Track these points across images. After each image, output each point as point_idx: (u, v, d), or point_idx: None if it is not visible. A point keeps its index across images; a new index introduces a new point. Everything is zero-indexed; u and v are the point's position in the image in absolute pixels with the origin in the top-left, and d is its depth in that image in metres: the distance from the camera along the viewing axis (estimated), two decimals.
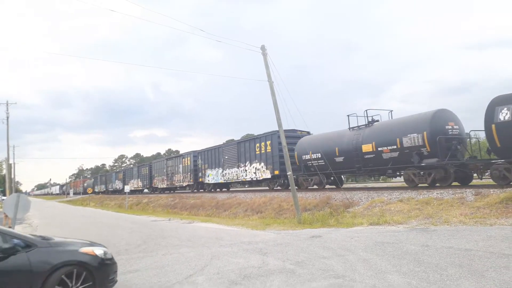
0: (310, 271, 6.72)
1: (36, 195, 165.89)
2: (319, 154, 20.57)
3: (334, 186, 21.99)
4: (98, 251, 5.70)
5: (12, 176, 56.60)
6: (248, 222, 16.85)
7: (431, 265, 6.49)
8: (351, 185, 30.94)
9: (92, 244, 5.94)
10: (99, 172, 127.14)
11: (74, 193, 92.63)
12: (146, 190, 51.29)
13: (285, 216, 17.19)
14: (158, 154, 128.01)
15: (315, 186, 22.22)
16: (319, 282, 5.95)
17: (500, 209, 11.22)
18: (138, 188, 51.63)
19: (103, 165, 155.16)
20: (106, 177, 73.06)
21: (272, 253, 8.75)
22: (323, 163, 19.78)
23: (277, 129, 17.88)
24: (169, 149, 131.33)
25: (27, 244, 5.10)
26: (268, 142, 25.14)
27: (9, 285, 4.65)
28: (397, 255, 7.52)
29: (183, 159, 37.92)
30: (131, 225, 19.16)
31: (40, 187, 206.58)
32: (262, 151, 25.66)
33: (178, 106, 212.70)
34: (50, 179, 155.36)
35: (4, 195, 55.28)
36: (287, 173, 16.25)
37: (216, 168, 31.80)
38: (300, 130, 24.62)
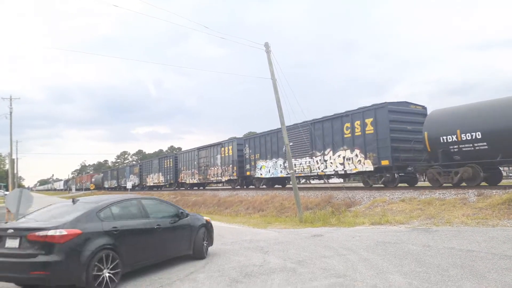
0: (311, 270, 6.71)
1: (38, 191, 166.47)
2: (478, 133, 13.91)
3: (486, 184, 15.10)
4: (209, 220, 9.41)
5: (15, 171, 56.86)
6: (249, 220, 16.86)
7: (433, 266, 6.47)
8: (354, 184, 30.89)
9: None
10: (101, 168, 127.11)
11: (77, 189, 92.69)
12: (168, 186, 44.48)
13: (287, 215, 17.20)
14: (161, 151, 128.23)
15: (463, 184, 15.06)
16: (320, 281, 5.95)
17: (503, 210, 11.18)
18: (159, 184, 45.43)
19: (106, 161, 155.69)
20: (118, 172, 64.05)
21: (273, 251, 8.75)
22: (486, 147, 13.82)
23: (385, 101, 16.57)
24: (172, 146, 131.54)
25: (187, 214, 8.52)
26: (369, 120, 17.93)
27: (185, 231, 8.21)
28: (399, 255, 7.50)
29: (223, 148, 31.40)
30: None
31: (43, 182, 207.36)
32: (357, 133, 18.52)
33: (180, 103, 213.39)
34: (53, 175, 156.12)
35: (7, 190, 55.49)
36: (289, 171, 16.22)
37: (274, 159, 24.96)
38: (414, 104, 18.57)
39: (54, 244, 5.65)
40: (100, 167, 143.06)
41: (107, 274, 6.10)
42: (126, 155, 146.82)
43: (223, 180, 31.50)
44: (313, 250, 8.63)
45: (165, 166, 43.00)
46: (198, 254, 8.37)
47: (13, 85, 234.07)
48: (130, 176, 54.74)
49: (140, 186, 51.98)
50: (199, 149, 35.61)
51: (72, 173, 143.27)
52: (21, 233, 5.92)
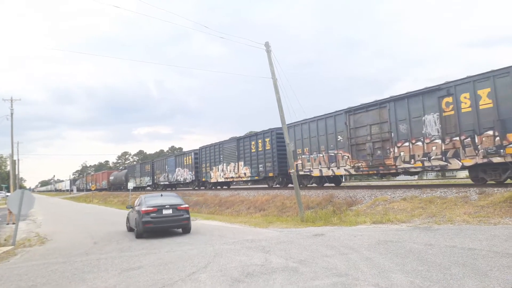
0: (313, 269, 6.71)
1: (40, 192, 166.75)
2: None
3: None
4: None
5: (16, 173, 56.92)
6: (251, 220, 16.86)
7: (435, 264, 6.46)
8: (354, 183, 30.89)
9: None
10: (102, 168, 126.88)
11: (79, 190, 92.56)
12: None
13: (288, 214, 17.20)
14: (162, 151, 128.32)
15: None
16: (322, 281, 5.95)
17: (504, 208, 11.17)
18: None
19: (107, 161, 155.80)
20: (153, 165, 47.70)
21: (275, 251, 8.75)
22: None
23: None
24: (172, 146, 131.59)
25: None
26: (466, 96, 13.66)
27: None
28: (400, 253, 7.50)
29: (259, 141, 25.93)
30: None
31: (44, 183, 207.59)
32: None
33: (181, 102, 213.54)
34: (54, 176, 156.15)
35: (9, 191, 55.58)
36: (290, 171, 16.22)
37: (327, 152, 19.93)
38: None
39: (187, 210, 13.53)
40: (101, 167, 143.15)
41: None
42: (127, 156, 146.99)
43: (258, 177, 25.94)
44: (314, 249, 8.63)
45: (186, 163, 37.46)
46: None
47: (14, 86, 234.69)
48: (177, 170, 39.90)
49: (153, 186, 46.88)
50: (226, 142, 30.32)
51: (73, 174, 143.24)
52: (172, 206, 13.13)
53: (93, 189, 76.56)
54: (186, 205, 13.64)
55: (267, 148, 25.05)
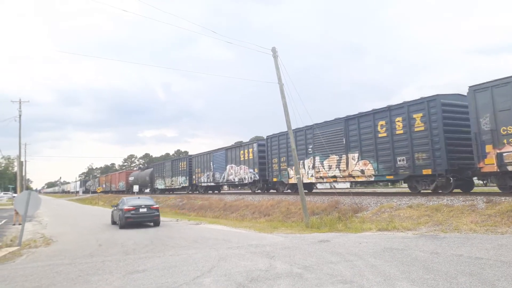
0: (317, 275, 6.67)
1: (46, 193, 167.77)
2: None
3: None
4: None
5: (23, 174, 57.37)
6: (255, 225, 16.83)
7: (441, 273, 6.40)
8: (360, 190, 30.75)
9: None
10: (108, 171, 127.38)
11: (84, 192, 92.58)
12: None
13: (293, 220, 17.14)
14: (167, 154, 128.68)
15: None
16: (327, 287, 5.91)
17: None
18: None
19: (113, 164, 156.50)
20: (191, 162, 37.78)
21: (280, 256, 8.72)
22: None
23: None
24: (178, 150, 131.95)
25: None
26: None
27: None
28: (406, 261, 7.43)
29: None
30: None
31: (50, 185, 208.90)
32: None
33: (187, 106, 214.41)
34: (60, 177, 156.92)
35: (15, 192, 56.00)
36: (296, 177, 16.18)
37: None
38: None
39: (158, 209, 18.12)
40: (107, 170, 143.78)
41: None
42: (133, 158, 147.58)
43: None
44: (319, 255, 8.58)
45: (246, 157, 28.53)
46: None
47: (21, 87, 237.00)
48: (230, 167, 30.84)
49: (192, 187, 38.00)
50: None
51: (79, 176, 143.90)
52: (146, 206, 17.60)
53: (98, 191, 76.22)
54: (157, 206, 18.60)
55: (419, 128, 15.48)
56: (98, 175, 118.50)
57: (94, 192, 79.08)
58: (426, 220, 12.52)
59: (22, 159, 53.99)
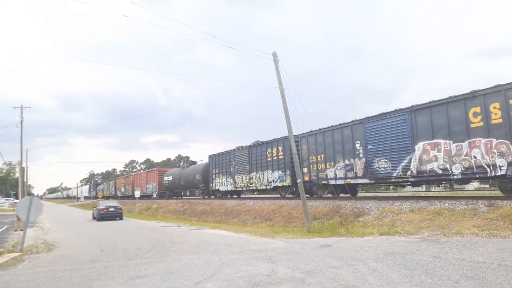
0: (319, 280, 6.67)
1: (47, 199, 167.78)
2: None
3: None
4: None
5: (25, 180, 57.42)
6: (257, 230, 16.81)
7: (443, 277, 6.39)
8: (362, 194, 30.71)
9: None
10: (109, 176, 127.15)
11: (86, 197, 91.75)
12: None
13: (295, 225, 17.12)
14: (168, 159, 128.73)
15: None
16: None
17: None
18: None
19: (114, 169, 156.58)
20: (256, 153, 27.29)
21: (282, 261, 8.71)
22: None
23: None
24: (179, 155, 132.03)
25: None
26: None
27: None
28: (408, 266, 7.43)
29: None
30: (141, 230, 19.26)
31: (52, 190, 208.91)
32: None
33: (188, 111, 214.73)
34: (62, 183, 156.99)
35: (17, 198, 56.05)
36: (297, 181, 16.18)
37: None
38: None
39: (121, 209, 29.74)
40: (108, 175, 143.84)
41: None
42: (134, 164, 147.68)
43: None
44: (321, 260, 8.58)
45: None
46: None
47: (22, 93, 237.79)
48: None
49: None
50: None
51: (80, 182, 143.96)
52: (114, 207, 29.11)
53: (100, 196, 75.96)
54: (121, 206, 30.17)
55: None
56: (99, 180, 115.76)
57: (106, 197, 68.79)
58: (428, 224, 12.50)
59: (24, 165, 54.09)
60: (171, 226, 21.00)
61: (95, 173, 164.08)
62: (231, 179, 30.36)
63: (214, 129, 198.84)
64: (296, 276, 7.10)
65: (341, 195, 20.91)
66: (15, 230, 20.18)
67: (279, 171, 24.46)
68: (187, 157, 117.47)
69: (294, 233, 14.68)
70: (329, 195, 21.39)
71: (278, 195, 27.38)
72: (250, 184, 27.68)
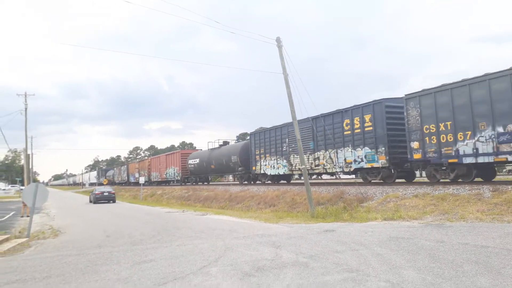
0: (323, 264, 6.71)
1: (53, 185, 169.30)
2: None
3: None
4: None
5: (30, 167, 57.85)
6: (261, 215, 16.90)
7: (447, 261, 6.41)
8: None
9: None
10: (114, 163, 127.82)
11: (91, 183, 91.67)
12: None
13: (298, 210, 17.20)
14: (173, 146, 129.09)
15: None
16: (333, 276, 5.95)
17: None
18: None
19: (118, 156, 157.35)
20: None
21: (285, 246, 8.77)
22: None
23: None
24: (183, 142, 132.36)
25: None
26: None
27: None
28: (412, 250, 7.45)
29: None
30: (146, 216, 19.42)
31: (57, 177, 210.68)
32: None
33: (191, 98, 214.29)
34: (67, 170, 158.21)
35: (23, 185, 56.58)
36: (301, 167, 16.18)
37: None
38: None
39: (114, 193, 34.98)
40: (113, 162, 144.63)
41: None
42: (138, 150, 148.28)
43: None
44: (325, 245, 8.62)
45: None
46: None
47: (27, 81, 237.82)
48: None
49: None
50: None
51: (85, 168, 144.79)
52: (108, 191, 34.47)
53: (105, 183, 76.20)
54: (114, 191, 35.32)
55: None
56: (103, 166, 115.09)
57: (118, 183, 66.11)
58: (432, 209, 12.51)
59: (29, 152, 54.41)
60: (175, 212, 21.16)
61: (100, 159, 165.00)
62: (284, 161, 24.25)
63: (217, 116, 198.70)
64: (300, 260, 7.15)
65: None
66: (22, 216, 20.41)
67: (366, 148, 18.42)
68: (191, 144, 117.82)
69: (297, 219, 14.75)
70: (460, 179, 15.43)
71: (352, 179, 22.77)
72: (316, 166, 21.47)
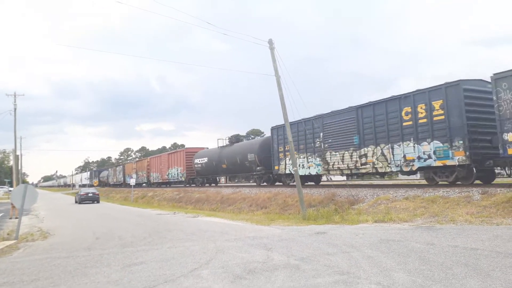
0: (314, 267, 6.72)
1: (42, 187, 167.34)
2: None
3: None
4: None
5: (19, 168, 57.14)
6: (252, 217, 16.88)
7: (437, 264, 6.46)
8: (356, 182, 30.89)
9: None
10: (105, 165, 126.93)
11: (82, 185, 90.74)
12: None
13: (290, 212, 17.21)
14: (164, 147, 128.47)
15: None
16: (324, 278, 5.95)
17: (507, 208, 11.13)
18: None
19: (109, 157, 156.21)
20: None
21: (277, 248, 8.77)
22: None
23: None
24: (175, 143, 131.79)
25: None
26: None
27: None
28: (402, 253, 7.50)
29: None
30: (137, 218, 19.29)
31: (47, 178, 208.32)
32: None
33: (184, 99, 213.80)
34: (56, 171, 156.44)
35: (12, 186, 55.86)
36: (293, 169, 16.20)
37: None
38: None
39: (98, 194, 37.45)
40: (103, 163, 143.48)
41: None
42: (129, 152, 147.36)
43: None
44: (316, 247, 8.64)
45: None
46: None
47: (17, 82, 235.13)
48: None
49: None
50: None
51: (76, 170, 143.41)
52: (92, 192, 37.21)
53: (95, 184, 75.55)
54: (98, 192, 37.57)
55: None
56: (94, 168, 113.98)
57: (112, 185, 63.98)
58: (422, 211, 12.60)
59: (18, 153, 53.81)
60: (166, 214, 21.05)
61: (90, 161, 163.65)
62: (317, 159, 20.81)
63: (210, 117, 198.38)
64: (291, 263, 7.15)
65: (334, 183, 18.17)
66: (10, 218, 20.13)
67: (436, 141, 15.01)
68: (183, 145, 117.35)
69: (289, 221, 14.76)
70: None
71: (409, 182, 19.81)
72: (362, 165, 18.08)
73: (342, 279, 5.87)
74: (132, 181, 40.72)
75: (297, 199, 16.40)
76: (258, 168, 26.14)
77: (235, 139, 31.38)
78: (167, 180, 42.17)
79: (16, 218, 16.24)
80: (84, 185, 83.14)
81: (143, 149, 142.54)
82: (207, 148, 37.51)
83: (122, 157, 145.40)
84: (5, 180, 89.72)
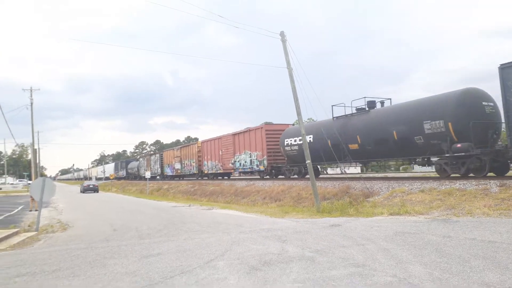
0: (329, 259, 6.73)
1: (60, 180, 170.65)
2: None
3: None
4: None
5: (37, 161, 58.33)
6: (267, 210, 16.95)
7: (454, 257, 6.40)
8: (371, 175, 30.65)
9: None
10: (119, 158, 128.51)
11: (98, 178, 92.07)
12: None
13: (304, 205, 17.21)
14: (178, 141, 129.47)
15: None
16: (339, 271, 5.96)
17: None
18: None
19: (124, 151, 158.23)
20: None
21: (291, 240, 8.80)
22: None
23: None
24: (188, 136, 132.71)
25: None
26: None
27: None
28: (418, 245, 7.45)
29: None
30: (152, 210, 19.56)
31: (64, 172, 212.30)
32: None
33: (196, 92, 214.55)
34: (73, 164, 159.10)
35: (30, 179, 57.11)
36: (306, 162, 16.18)
37: None
38: None
39: (97, 186, 51.59)
40: (119, 157, 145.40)
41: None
42: (144, 145, 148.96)
43: None
44: (331, 239, 8.64)
45: None
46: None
47: (33, 77, 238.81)
48: None
49: None
50: None
51: (92, 163, 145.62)
52: (93, 184, 51.88)
53: (111, 178, 76.66)
54: (97, 184, 54.20)
55: None
56: (109, 161, 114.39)
57: (153, 176, 51.57)
58: (438, 204, 12.46)
59: (36, 146, 54.80)
60: (181, 206, 21.28)
61: (106, 154, 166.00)
62: None
63: (221, 111, 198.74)
64: (306, 255, 7.18)
65: (349, 175, 18.83)
66: (30, 210, 20.63)
67: None
68: (196, 139, 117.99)
69: (303, 213, 14.78)
70: None
71: None
72: None
73: (357, 271, 5.87)
74: (148, 174, 40.80)
75: (311, 192, 16.39)
76: (456, 146, 14.48)
77: (371, 103, 19.68)
78: (230, 170, 32.11)
79: (36, 210, 16.64)
80: (100, 178, 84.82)
81: (157, 142, 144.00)
82: (307, 122, 24.71)
83: (137, 150, 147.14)
84: (24, 173, 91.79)
